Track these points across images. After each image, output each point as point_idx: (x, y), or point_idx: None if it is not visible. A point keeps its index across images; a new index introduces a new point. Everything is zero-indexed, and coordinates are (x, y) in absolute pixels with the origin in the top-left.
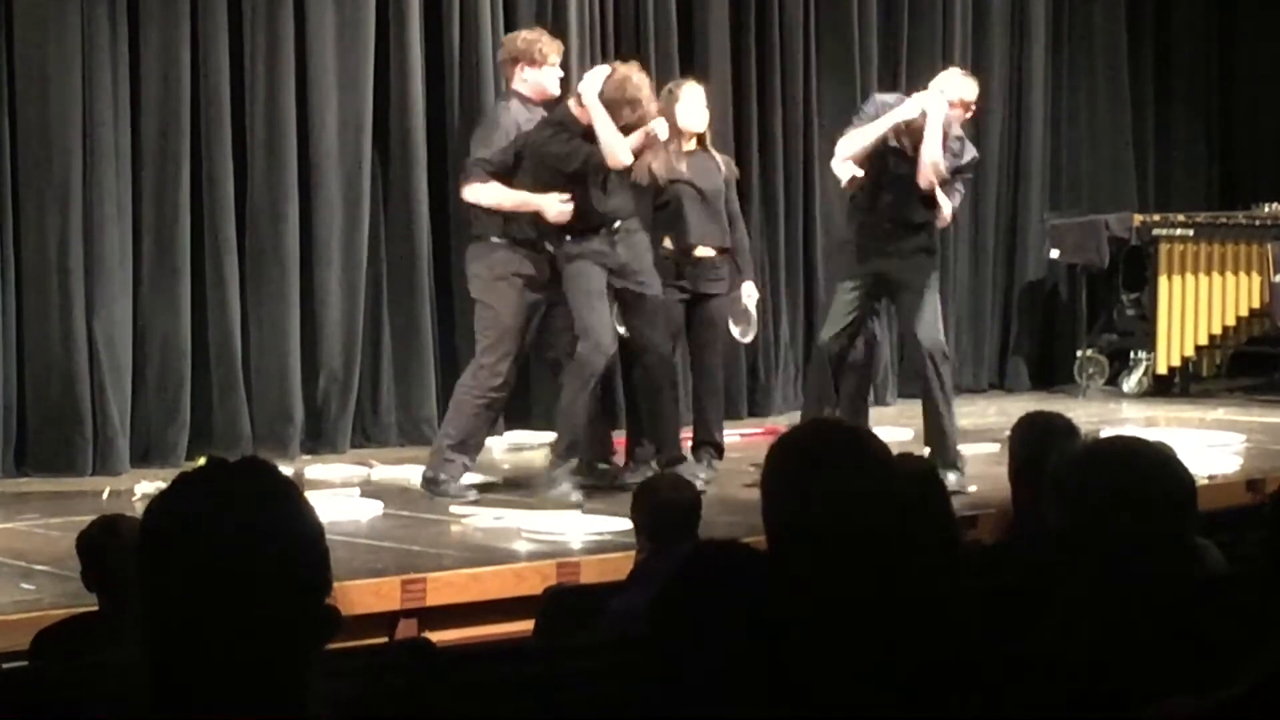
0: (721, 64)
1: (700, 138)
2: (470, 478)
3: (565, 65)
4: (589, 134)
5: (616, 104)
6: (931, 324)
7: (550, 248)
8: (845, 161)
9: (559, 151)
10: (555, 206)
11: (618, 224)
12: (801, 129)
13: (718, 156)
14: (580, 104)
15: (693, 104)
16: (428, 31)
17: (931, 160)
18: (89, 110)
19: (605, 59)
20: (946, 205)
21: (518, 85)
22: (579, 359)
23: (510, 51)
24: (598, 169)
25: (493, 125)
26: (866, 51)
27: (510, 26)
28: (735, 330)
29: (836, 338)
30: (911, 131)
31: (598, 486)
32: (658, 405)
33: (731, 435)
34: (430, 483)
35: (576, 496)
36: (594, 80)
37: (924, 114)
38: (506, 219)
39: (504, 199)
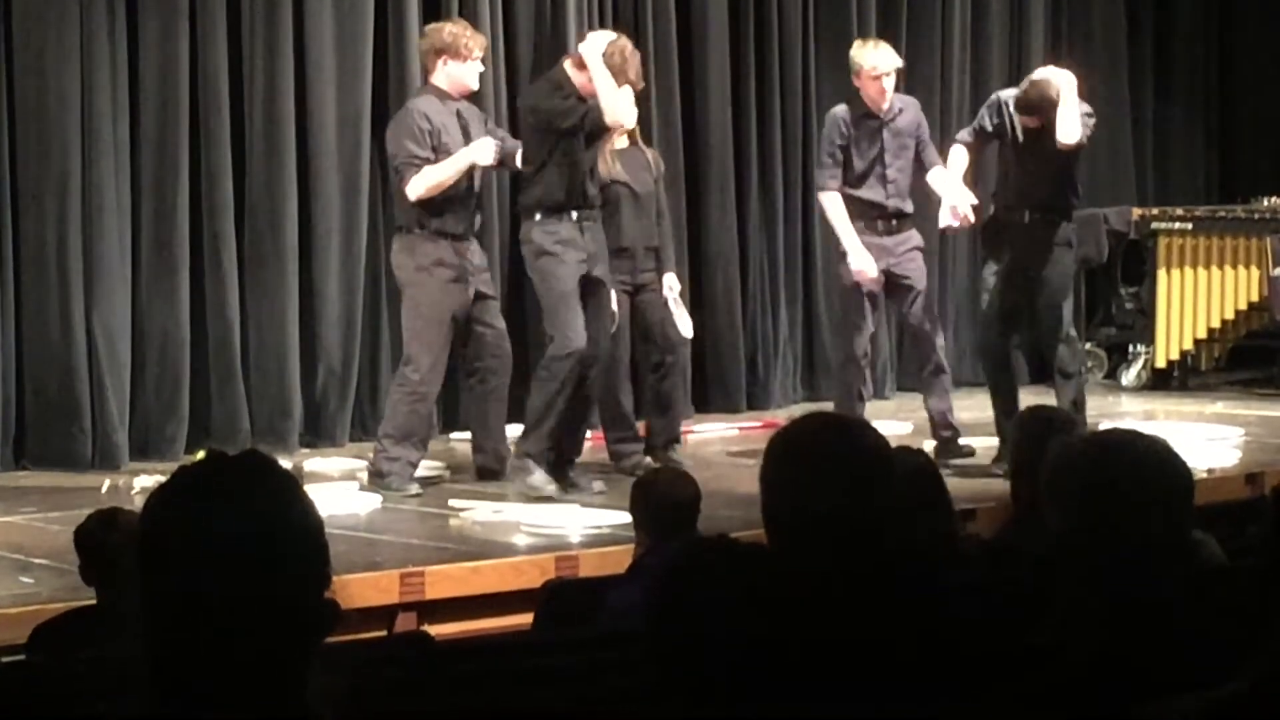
0: (720, 60)
1: (631, 134)
2: (424, 470)
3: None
4: (582, 97)
5: (614, 71)
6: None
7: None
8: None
9: (555, 107)
10: (486, 147)
11: (590, 211)
12: (800, 123)
13: (648, 152)
14: (579, 65)
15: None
16: (425, 26)
17: (1069, 122)
18: (88, 104)
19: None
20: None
21: (437, 78)
22: (549, 361)
23: (434, 43)
24: (595, 128)
25: (401, 122)
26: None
27: (509, 20)
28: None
29: (1003, 334)
30: (1036, 106)
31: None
32: (568, 395)
33: (730, 428)
34: (375, 476)
35: (551, 489)
36: (597, 41)
37: (1054, 85)
38: (433, 212)
39: (442, 172)
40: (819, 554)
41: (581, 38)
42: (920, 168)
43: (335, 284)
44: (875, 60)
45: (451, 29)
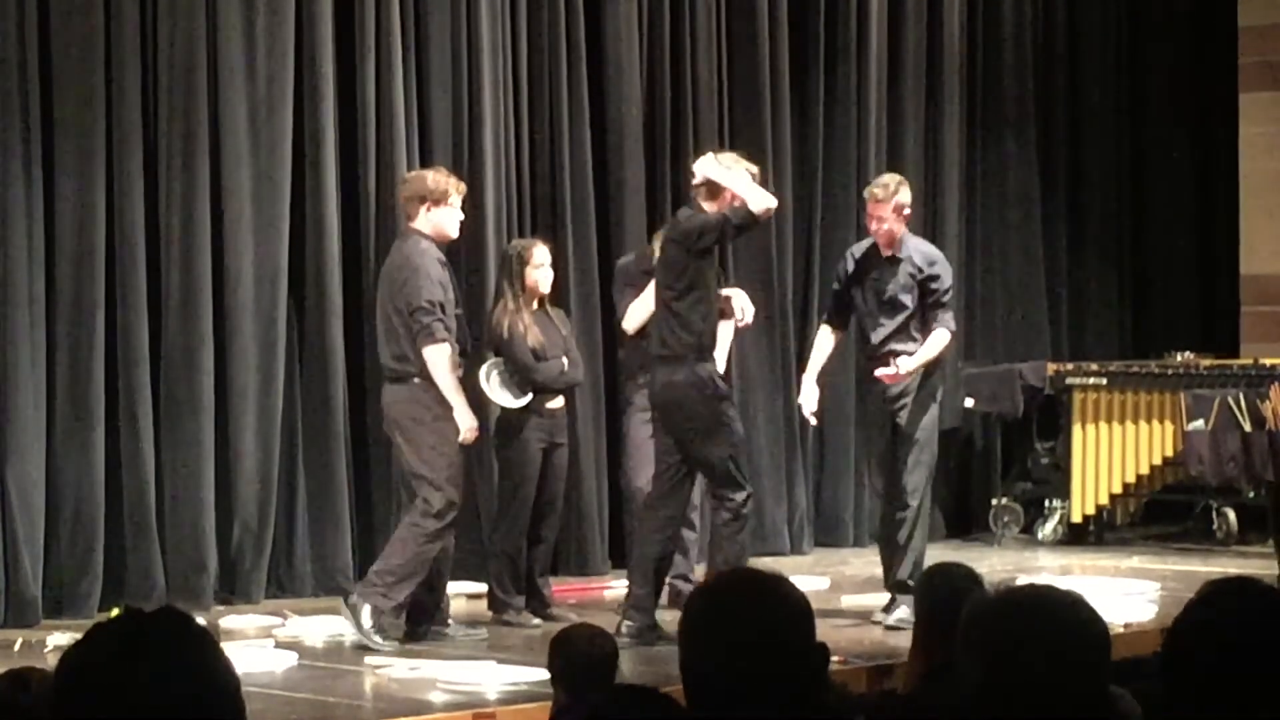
0: (636, 198)
1: (542, 298)
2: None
3: (481, 199)
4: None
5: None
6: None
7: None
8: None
9: (707, 221)
10: (469, 424)
11: None
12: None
13: (553, 313)
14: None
15: (546, 264)
16: (344, 181)
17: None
18: (2, 257)
19: (520, 194)
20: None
21: (419, 224)
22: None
23: (417, 189)
24: (740, 225)
25: (420, 270)
26: (781, 205)
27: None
28: None
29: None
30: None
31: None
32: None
33: None
34: (373, 612)
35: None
36: (709, 162)
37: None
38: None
39: (448, 383)
40: (736, 710)
41: (498, 193)
42: None
43: (251, 439)
44: None
45: (434, 176)
